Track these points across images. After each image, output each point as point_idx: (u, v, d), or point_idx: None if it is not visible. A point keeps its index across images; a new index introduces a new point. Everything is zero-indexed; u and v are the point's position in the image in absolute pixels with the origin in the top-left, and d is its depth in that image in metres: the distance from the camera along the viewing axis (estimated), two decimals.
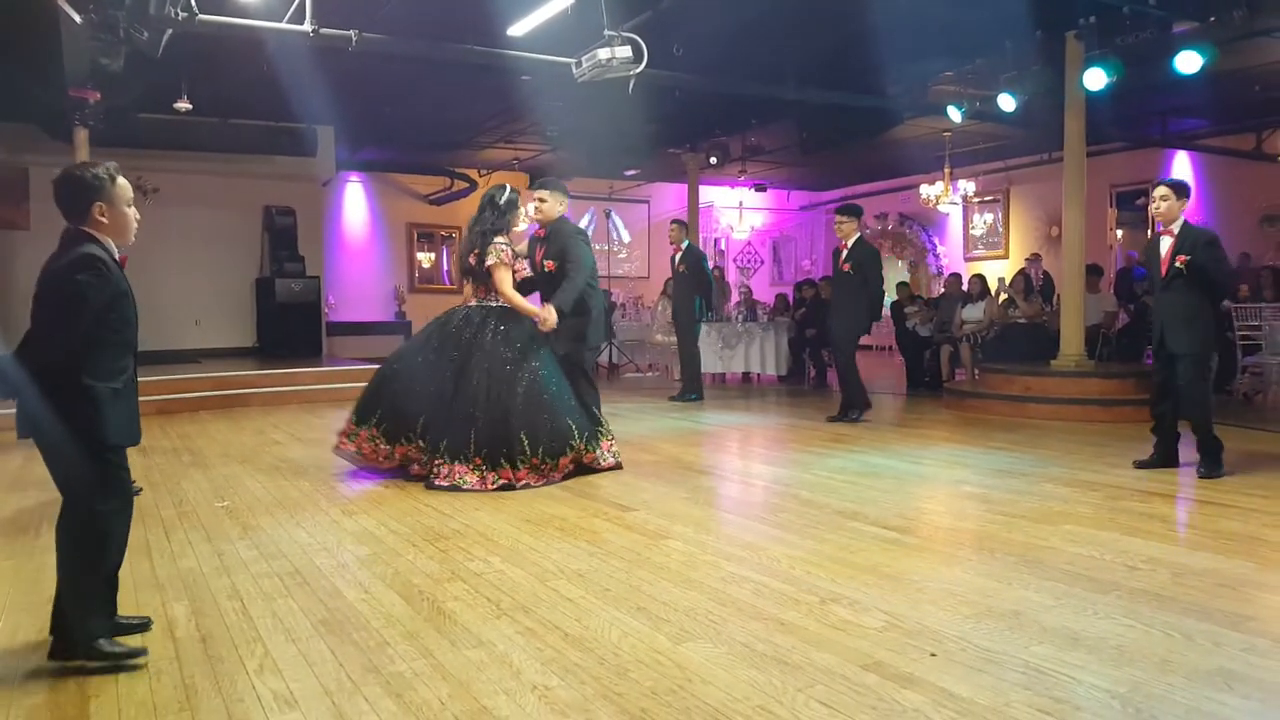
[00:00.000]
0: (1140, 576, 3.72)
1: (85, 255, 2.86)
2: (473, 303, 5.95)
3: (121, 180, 3.02)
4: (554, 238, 6.22)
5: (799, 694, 2.65)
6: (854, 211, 8.41)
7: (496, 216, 5.88)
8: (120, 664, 2.90)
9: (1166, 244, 5.81)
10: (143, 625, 3.23)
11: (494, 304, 5.87)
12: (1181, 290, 5.71)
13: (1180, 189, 5.85)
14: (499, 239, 5.81)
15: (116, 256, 2.98)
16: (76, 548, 2.93)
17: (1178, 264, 5.66)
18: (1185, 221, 5.81)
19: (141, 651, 2.98)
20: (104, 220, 2.95)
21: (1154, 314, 6.13)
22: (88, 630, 2.91)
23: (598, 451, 5.97)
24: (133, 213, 3.04)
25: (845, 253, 8.27)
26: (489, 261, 5.78)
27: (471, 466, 5.53)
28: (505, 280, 5.80)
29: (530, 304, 5.97)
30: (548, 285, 6.13)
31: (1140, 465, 5.98)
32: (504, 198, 5.94)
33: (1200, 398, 5.76)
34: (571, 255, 6.13)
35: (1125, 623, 3.19)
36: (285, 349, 13.09)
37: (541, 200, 6.27)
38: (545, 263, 6.17)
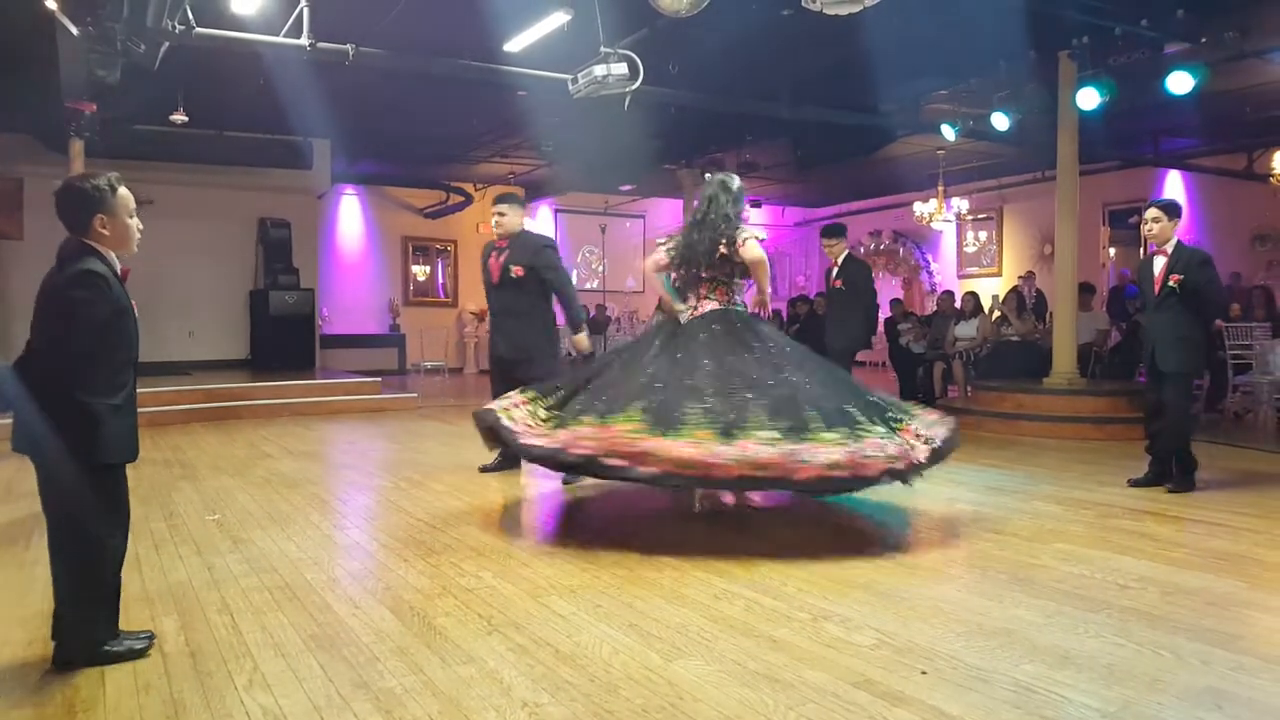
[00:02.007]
0: (1131, 595, 3.73)
1: (82, 271, 2.86)
2: (707, 307, 5.06)
3: (123, 191, 3.01)
4: (519, 247, 6.28)
5: (790, 712, 2.65)
6: (838, 232, 8.42)
7: (733, 203, 5.04)
8: (133, 657, 3.03)
9: (1159, 264, 5.87)
10: (148, 640, 3.20)
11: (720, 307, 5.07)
12: (1174, 310, 5.77)
13: (1171, 209, 5.91)
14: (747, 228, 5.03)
15: (118, 269, 2.98)
16: (74, 567, 2.94)
17: (1171, 283, 5.73)
18: (1179, 242, 5.87)
19: (149, 636, 3.13)
20: (105, 232, 2.95)
21: (1146, 333, 6.19)
22: (93, 638, 2.98)
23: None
24: (135, 223, 3.04)
25: (836, 270, 8.28)
26: (756, 253, 4.92)
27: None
28: (767, 271, 5.04)
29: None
30: (516, 290, 6.20)
31: (1135, 484, 6.01)
32: (736, 184, 5.12)
33: (1181, 415, 5.87)
34: (554, 264, 6.28)
35: (1116, 641, 3.20)
36: (278, 361, 13.06)
37: (501, 214, 6.31)
38: (513, 268, 6.19)
